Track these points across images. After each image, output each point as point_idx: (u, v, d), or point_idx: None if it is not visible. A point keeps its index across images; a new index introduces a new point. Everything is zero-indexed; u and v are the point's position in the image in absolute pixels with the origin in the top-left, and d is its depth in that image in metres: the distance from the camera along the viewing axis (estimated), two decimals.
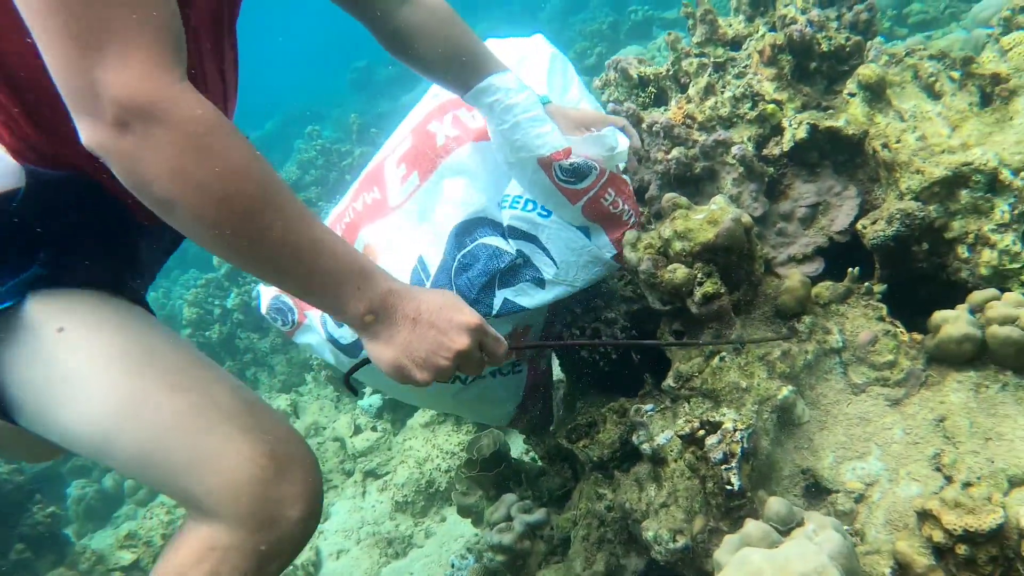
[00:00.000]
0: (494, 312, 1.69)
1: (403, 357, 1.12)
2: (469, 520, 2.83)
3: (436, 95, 1.85)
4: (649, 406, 1.72)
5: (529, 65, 1.93)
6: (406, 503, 3.49)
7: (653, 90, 2.32)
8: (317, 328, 1.83)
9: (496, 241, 1.71)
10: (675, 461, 1.58)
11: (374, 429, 4.18)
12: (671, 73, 2.26)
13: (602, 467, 1.86)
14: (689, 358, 1.66)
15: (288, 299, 1.83)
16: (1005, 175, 1.62)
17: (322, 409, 4.89)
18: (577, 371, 2.15)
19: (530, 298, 1.71)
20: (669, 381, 1.67)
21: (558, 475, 2.21)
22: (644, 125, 2.12)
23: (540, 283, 1.72)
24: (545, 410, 2.26)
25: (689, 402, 1.62)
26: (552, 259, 1.72)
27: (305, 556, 3.45)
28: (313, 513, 1.16)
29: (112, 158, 0.89)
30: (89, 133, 0.87)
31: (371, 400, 4.23)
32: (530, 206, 1.72)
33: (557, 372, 2.38)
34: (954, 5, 5.27)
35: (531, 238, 1.72)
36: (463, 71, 1.63)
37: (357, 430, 4.26)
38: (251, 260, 1.02)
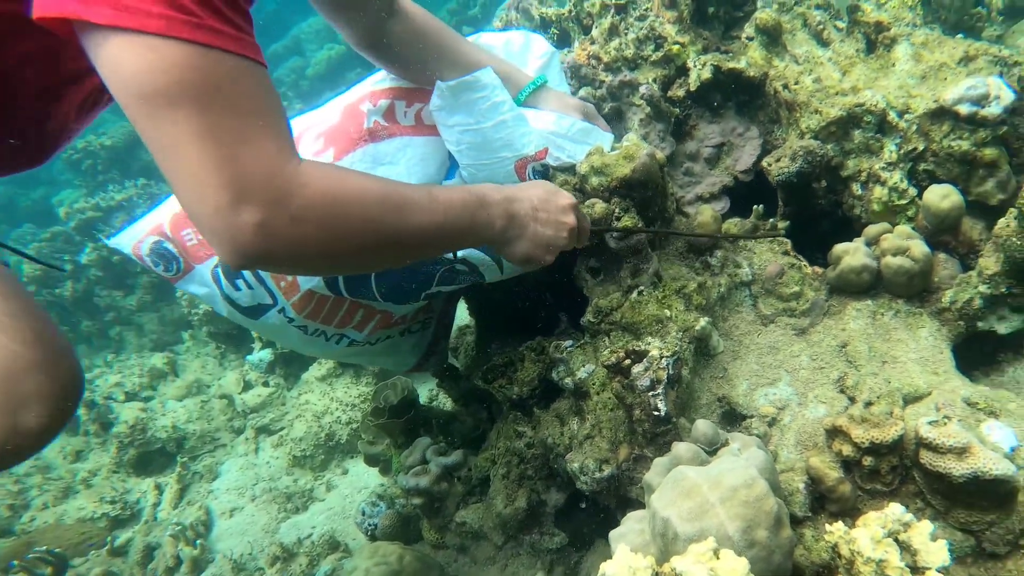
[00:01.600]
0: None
1: (534, 248, 1.32)
2: (376, 469, 2.81)
3: (381, 80, 1.73)
4: (568, 342, 1.74)
5: (527, 53, 1.91)
6: (304, 457, 3.41)
7: (555, 31, 2.31)
8: (209, 282, 1.72)
9: None
10: (597, 394, 1.61)
11: (266, 384, 4.04)
12: (573, 15, 2.26)
13: (521, 405, 1.88)
14: (607, 293, 1.69)
15: (172, 246, 1.69)
16: (892, 116, 1.73)
17: (204, 367, 4.68)
18: (488, 314, 2.16)
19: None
20: (588, 316, 1.70)
21: (472, 417, 2.22)
22: None
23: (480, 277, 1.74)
24: (441, 357, 2.29)
25: (609, 336, 1.66)
26: (501, 268, 1.72)
27: (194, 515, 3.31)
28: (50, 426, 1.13)
29: (281, 236, 0.94)
30: (247, 221, 0.90)
31: (260, 355, 4.08)
32: None
33: (462, 318, 2.38)
34: None
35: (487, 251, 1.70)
36: (446, 70, 1.65)
37: (247, 386, 4.11)
38: (407, 258, 1.21)
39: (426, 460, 2.05)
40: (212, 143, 0.87)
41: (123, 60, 0.83)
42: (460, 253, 1.65)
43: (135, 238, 1.71)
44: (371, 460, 2.75)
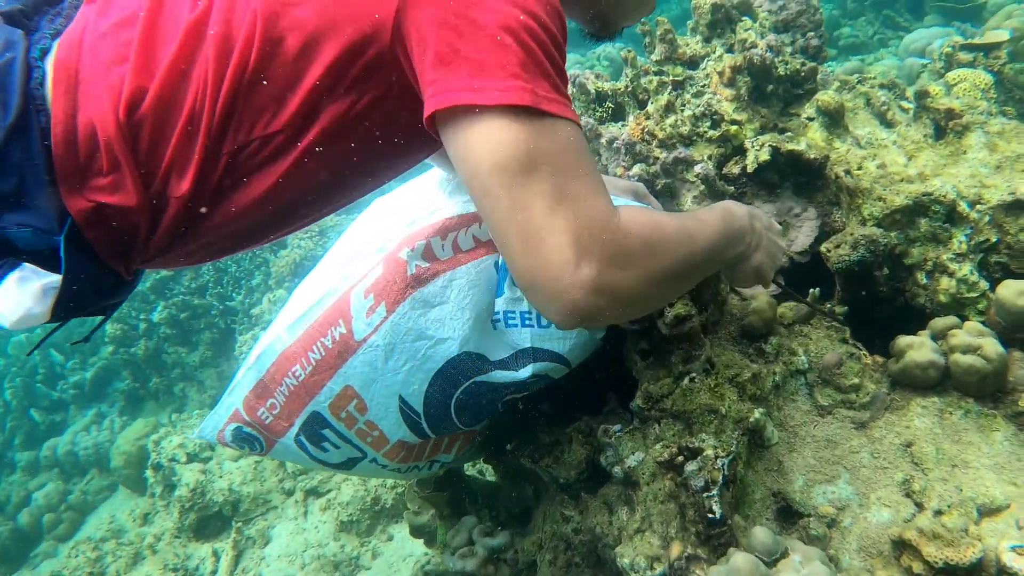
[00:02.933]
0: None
1: (767, 259, 1.36)
2: (420, 540, 2.77)
3: (411, 223, 1.70)
4: (617, 426, 1.70)
5: None
6: (351, 522, 3.39)
7: (611, 105, 2.32)
8: (295, 450, 1.76)
9: (494, 377, 1.67)
10: (647, 484, 1.56)
11: None
12: (629, 89, 2.26)
13: (568, 488, 1.84)
14: (658, 378, 1.65)
15: (251, 429, 1.74)
16: (962, 207, 1.67)
17: None
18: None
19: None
20: (638, 401, 1.66)
21: (518, 492, 2.17)
22: (603, 140, 2.12)
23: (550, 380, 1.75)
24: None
25: (660, 423, 1.61)
26: (568, 363, 1.72)
27: None
28: None
29: (612, 287, 0.97)
30: (587, 276, 0.94)
31: None
32: (544, 320, 1.67)
33: None
34: (881, 32, 5.52)
35: (555, 356, 1.70)
36: None
37: None
38: (699, 277, 1.30)
39: (472, 541, 2.01)
40: (559, 204, 0.93)
41: (491, 134, 0.92)
42: (533, 369, 1.66)
43: (216, 428, 1.77)
44: (416, 531, 2.71)
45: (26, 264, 1.03)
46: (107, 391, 6.78)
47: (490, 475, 2.77)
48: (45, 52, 1.05)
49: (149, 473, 4.50)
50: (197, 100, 1.01)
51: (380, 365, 1.63)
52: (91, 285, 1.13)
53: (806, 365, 1.66)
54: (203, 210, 1.09)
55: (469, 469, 2.83)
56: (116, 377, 6.60)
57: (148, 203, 1.05)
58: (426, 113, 0.95)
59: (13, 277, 1.02)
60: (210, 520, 4.04)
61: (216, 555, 3.78)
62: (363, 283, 1.62)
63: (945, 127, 1.84)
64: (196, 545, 3.96)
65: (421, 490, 2.41)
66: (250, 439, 1.76)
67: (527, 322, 1.68)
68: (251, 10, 1.00)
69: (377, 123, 1.08)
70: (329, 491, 3.76)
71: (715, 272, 1.69)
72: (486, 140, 0.92)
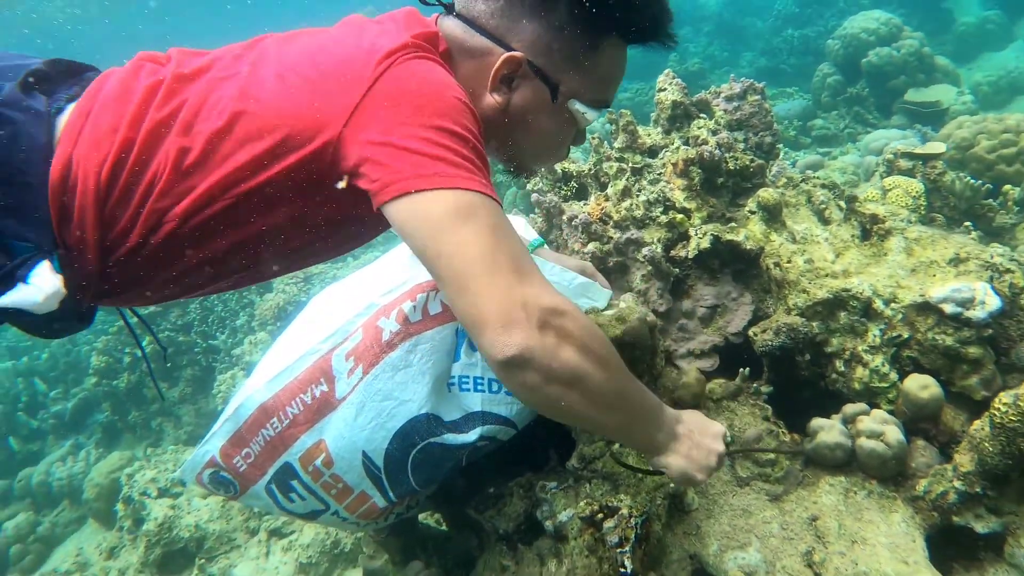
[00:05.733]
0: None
1: (689, 465, 1.39)
2: None
3: (391, 291, 1.84)
4: (553, 483, 1.83)
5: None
6: (310, 564, 3.46)
7: (575, 185, 2.50)
8: (265, 497, 1.89)
9: (446, 440, 1.79)
10: (575, 539, 1.69)
11: None
12: (592, 172, 2.45)
13: (507, 538, 1.96)
14: (592, 440, 1.79)
15: (227, 474, 1.87)
16: (878, 304, 1.84)
17: None
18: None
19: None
20: (573, 461, 1.79)
21: (464, 541, 2.28)
22: (565, 217, 2.29)
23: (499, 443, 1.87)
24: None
25: (591, 483, 1.75)
26: (515, 425, 1.83)
27: None
28: None
29: (535, 354, 1.08)
30: (516, 339, 1.06)
31: None
32: (495, 386, 1.81)
33: None
34: (852, 127, 5.82)
35: (503, 420, 1.82)
36: None
37: None
38: (610, 415, 1.26)
39: None
40: (495, 266, 1.07)
41: (433, 206, 1.08)
42: (481, 431, 1.78)
43: (195, 470, 1.90)
44: (370, 575, 2.79)
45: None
46: (87, 422, 6.83)
47: (443, 524, 2.86)
48: (59, 111, 1.24)
49: (120, 507, 4.52)
50: (157, 172, 1.19)
51: (352, 421, 1.77)
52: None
53: (729, 439, 1.80)
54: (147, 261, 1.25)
55: (425, 518, 2.93)
56: (96, 408, 6.66)
57: (102, 250, 1.22)
58: (379, 202, 1.12)
59: (45, 265, 1.17)
60: (175, 556, 4.07)
61: None
62: (344, 347, 1.78)
63: (870, 230, 2.02)
64: None
65: (376, 535, 2.51)
66: (225, 483, 1.89)
67: (479, 387, 1.82)
68: (220, 107, 1.19)
69: (298, 212, 1.25)
70: (292, 532, 3.83)
71: (652, 347, 1.85)
72: (431, 209, 1.09)
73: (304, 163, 1.17)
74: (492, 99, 1.33)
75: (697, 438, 1.42)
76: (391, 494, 1.84)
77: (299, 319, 1.99)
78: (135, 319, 1.68)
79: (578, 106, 1.36)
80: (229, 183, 1.18)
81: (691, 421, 1.45)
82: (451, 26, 1.34)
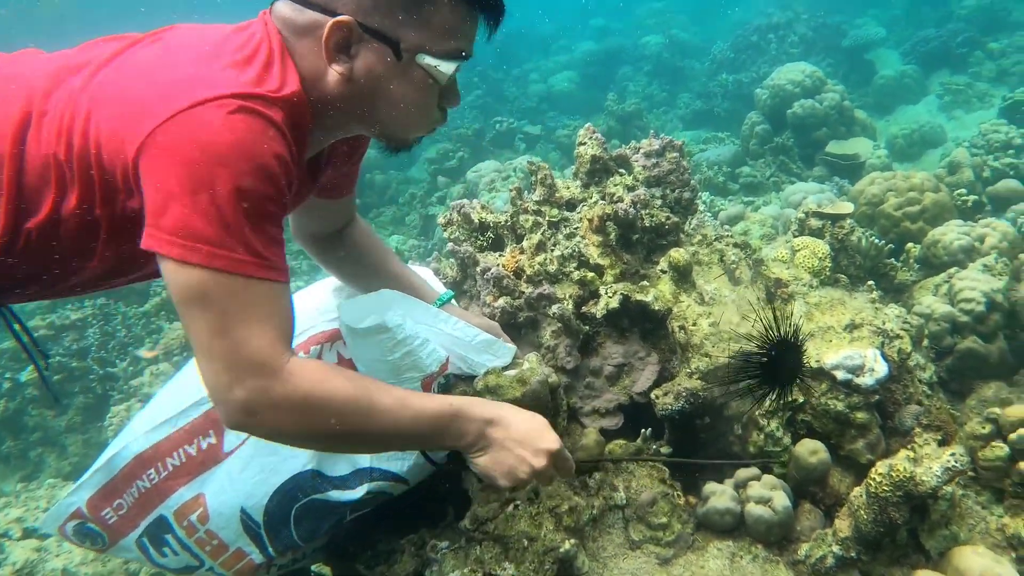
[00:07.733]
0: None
1: (492, 467, 1.42)
2: None
3: (309, 329, 1.85)
4: (445, 543, 1.80)
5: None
6: None
7: (491, 235, 2.49)
8: (136, 551, 1.82)
9: (330, 496, 1.75)
10: None
11: None
12: (509, 224, 2.44)
13: None
14: (487, 501, 1.77)
15: (94, 525, 1.79)
16: None
17: None
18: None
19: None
20: (465, 522, 1.77)
21: None
22: (478, 269, 2.28)
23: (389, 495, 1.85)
24: None
25: (481, 545, 1.72)
26: (406, 481, 1.81)
27: None
28: None
29: (261, 417, 1.19)
30: (238, 400, 1.17)
31: None
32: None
33: None
34: (776, 175, 5.99)
35: (393, 476, 1.79)
36: (381, 281, 1.86)
37: None
38: (371, 451, 1.60)
39: None
40: (220, 337, 1.15)
41: (175, 275, 1.15)
42: (368, 487, 1.76)
43: (58, 521, 1.81)
44: None
45: None
46: None
47: None
48: None
49: None
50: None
51: (236, 475, 1.72)
52: None
53: (624, 501, 1.81)
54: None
55: (320, 566, 2.85)
56: None
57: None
58: (142, 244, 1.15)
59: None
60: None
61: None
62: None
63: (775, 293, 2.07)
64: None
65: None
66: (92, 535, 1.80)
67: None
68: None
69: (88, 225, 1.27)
70: None
71: (554, 407, 1.84)
72: (175, 277, 1.15)
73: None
74: (334, 72, 1.28)
75: (511, 445, 1.41)
76: (270, 550, 1.77)
77: (192, 364, 1.93)
78: (27, 338, 1.62)
79: (428, 60, 1.30)
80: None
81: (519, 429, 1.43)
82: (281, 8, 1.30)
